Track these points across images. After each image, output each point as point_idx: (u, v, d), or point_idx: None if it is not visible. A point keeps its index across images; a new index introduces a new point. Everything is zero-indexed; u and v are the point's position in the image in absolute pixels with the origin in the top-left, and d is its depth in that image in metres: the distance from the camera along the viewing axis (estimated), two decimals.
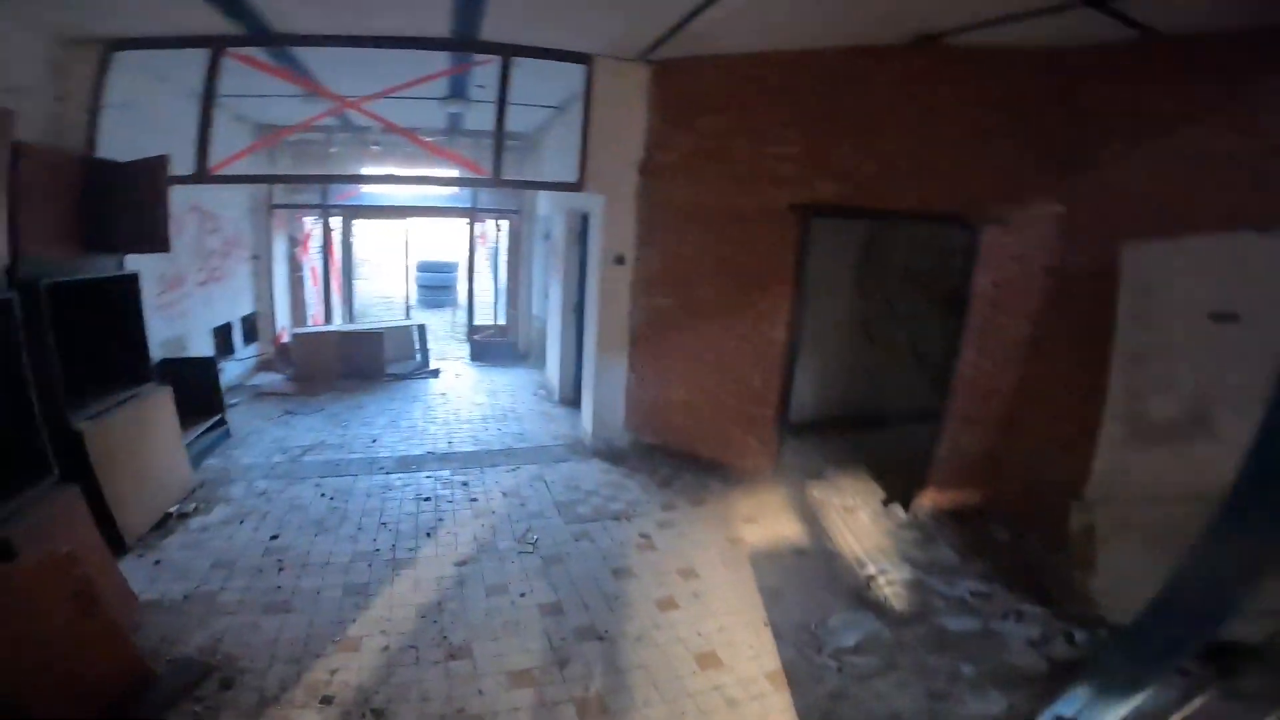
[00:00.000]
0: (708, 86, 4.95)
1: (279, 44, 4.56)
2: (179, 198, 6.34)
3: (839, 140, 4.55)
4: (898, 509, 4.80)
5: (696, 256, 5.21)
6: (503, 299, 10.41)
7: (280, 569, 3.69)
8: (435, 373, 8.76)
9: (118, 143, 4.43)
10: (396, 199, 9.55)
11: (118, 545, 3.71)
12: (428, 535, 4.16)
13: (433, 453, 5.71)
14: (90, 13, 3.93)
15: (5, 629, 2.18)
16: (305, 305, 9.67)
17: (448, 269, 14.80)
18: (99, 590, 2.49)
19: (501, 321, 10.31)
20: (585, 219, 6.32)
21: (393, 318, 10.11)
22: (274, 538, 4.06)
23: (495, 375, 8.76)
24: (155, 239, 4.26)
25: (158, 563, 3.71)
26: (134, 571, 3.55)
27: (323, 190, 9.07)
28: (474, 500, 4.74)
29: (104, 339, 4.40)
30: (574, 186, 5.28)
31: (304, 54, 4.91)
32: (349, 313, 9.84)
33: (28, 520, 2.73)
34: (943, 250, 6.17)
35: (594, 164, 5.23)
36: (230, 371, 7.78)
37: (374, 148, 8.35)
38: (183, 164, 4.57)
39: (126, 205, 4.11)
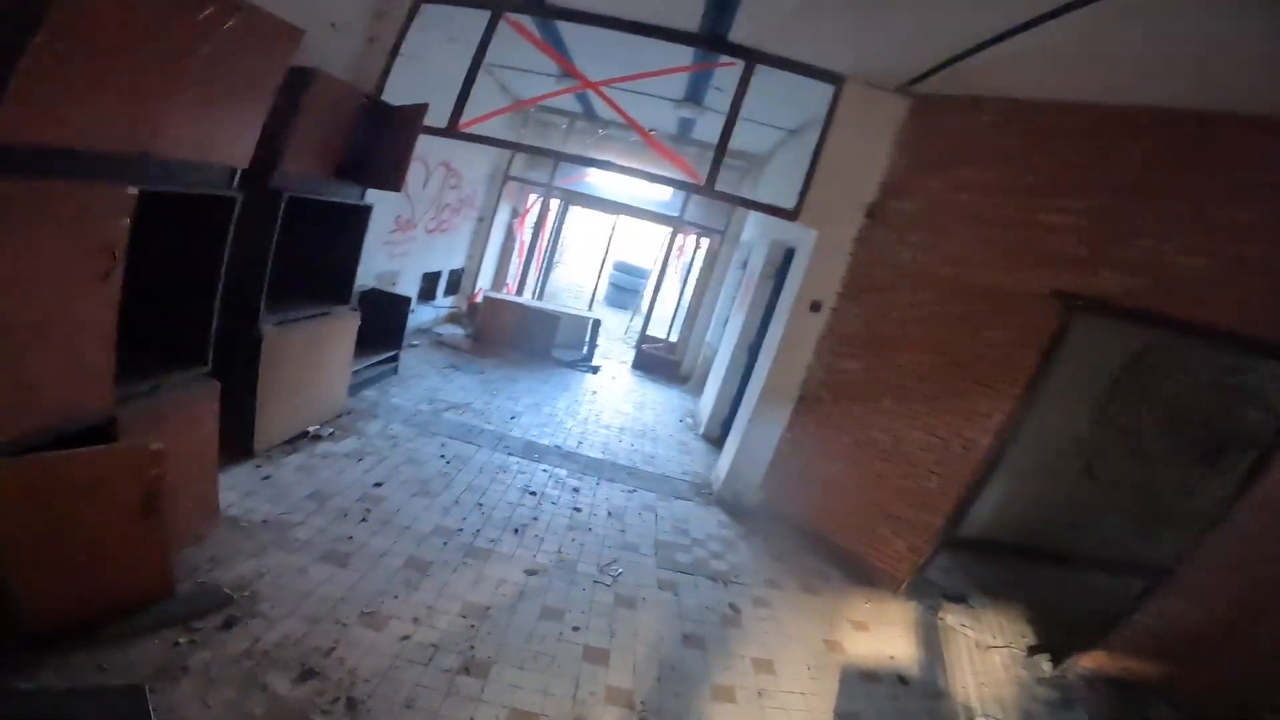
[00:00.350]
0: (977, 131, 4.16)
1: (547, 15, 4.69)
2: (436, 151, 7.02)
3: (1150, 221, 3.48)
4: (1044, 661, 3.91)
5: (907, 326, 4.42)
6: (681, 316, 10.22)
7: (363, 519, 3.63)
8: (595, 369, 8.79)
9: (401, 88, 4.84)
10: (612, 194, 9.84)
11: (245, 450, 3.90)
12: (515, 531, 3.91)
13: (559, 448, 5.54)
14: None
15: (53, 510, 2.18)
16: (506, 273, 10.36)
17: (640, 274, 15.11)
18: (166, 494, 2.46)
19: (673, 338, 10.12)
20: (789, 255, 5.80)
21: (575, 306, 10.45)
22: (377, 485, 4.06)
23: (649, 389, 8.53)
24: (392, 179, 4.53)
25: (267, 478, 3.82)
26: (240, 480, 3.68)
27: (550, 172, 9.63)
28: (576, 510, 4.43)
29: (323, 256, 4.76)
30: (788, 214, 4.78)
31: (565, 32, 5.05)
32: (540, 290, 10.35)
33: (156, 403, 2.77)
34: (1233, 390, 4.97)
35: (816, 195, 4.69)
36: (424, 315, 8.51)
37: (600, 132, 8.66)
38: (443, 120, 4.88)
39: (381, 143, 4.41)
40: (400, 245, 7.22)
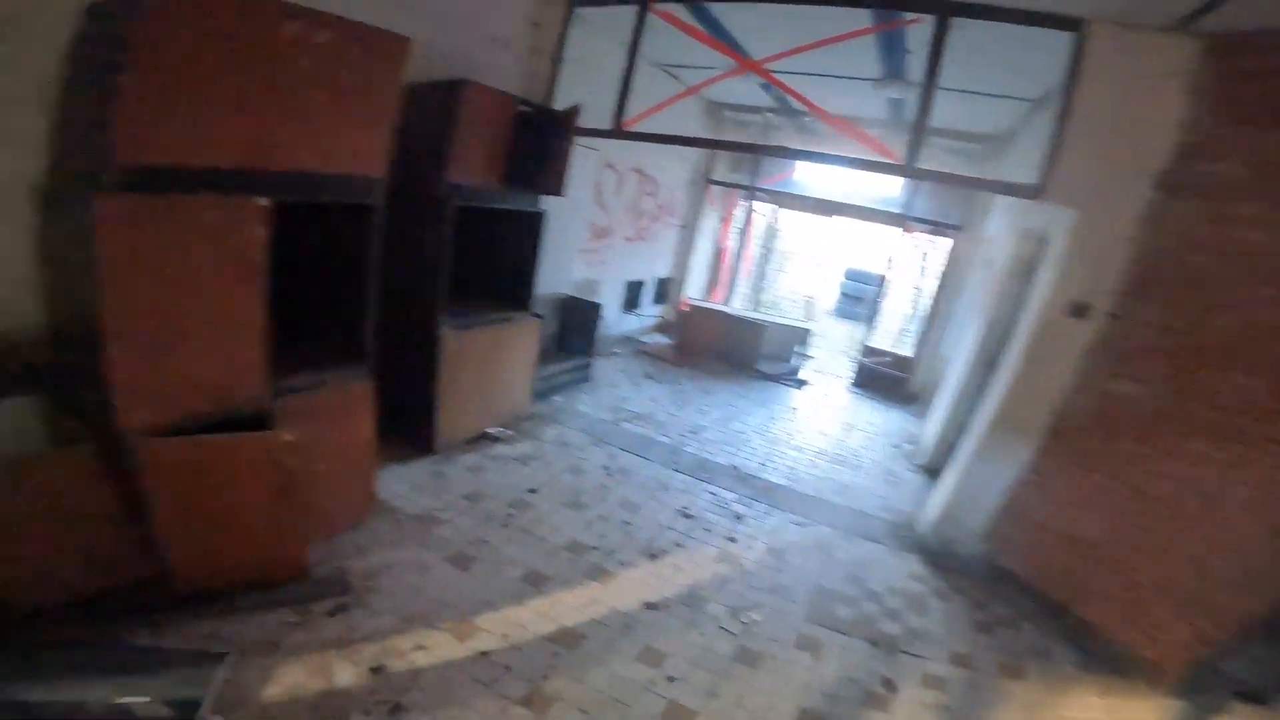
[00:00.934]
0: None
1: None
2: (626, 157, 7.18)
3: None
4: None
5: (1236, 336, 3.16)
6: (916, 326, 8.96)
7: (504, 524, 3.67)
8: (802, 383, 8.13)
9: (572, 93, 4.96)
10: (824, 193, 9.08)
11: (427, 447, 4.28)
12: (651, 557, 3.63)
13: (736, 468, 5.12)
14: None
15: (199, 486, 2.51)
16: (716, 281, 10.24)
17: (875, 281, 13.75)
18: (298, 482, 2.69)
19: (905, 352, 8.89)
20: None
21: (786, 315, 9.83)
22: (532, 490, 4.11)
23: (866, 409, 7.60)
24: (551, 183, 4.62)
25: (438, 474, 4.08)
26: (415, 474, 3.99)
27: (752, 173, 9.27)
28: (730, 540, 3.97)
29: (503, 263, 5.05)
30: (1029, 192, 3.77)
31: (723, 16, 4.77)
32: (752, 299, 9.98)
33: (312, 398, 3.02)
34: None
35: (1069, 164, 3.63)
36: (629, 325, 8.77)
37: (768, 115, 8.00)
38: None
39: (544, 149, 4.51)
40: (598, 253, 7.51)
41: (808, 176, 9.50)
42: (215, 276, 2.47)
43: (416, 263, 4.13)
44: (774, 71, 5.71)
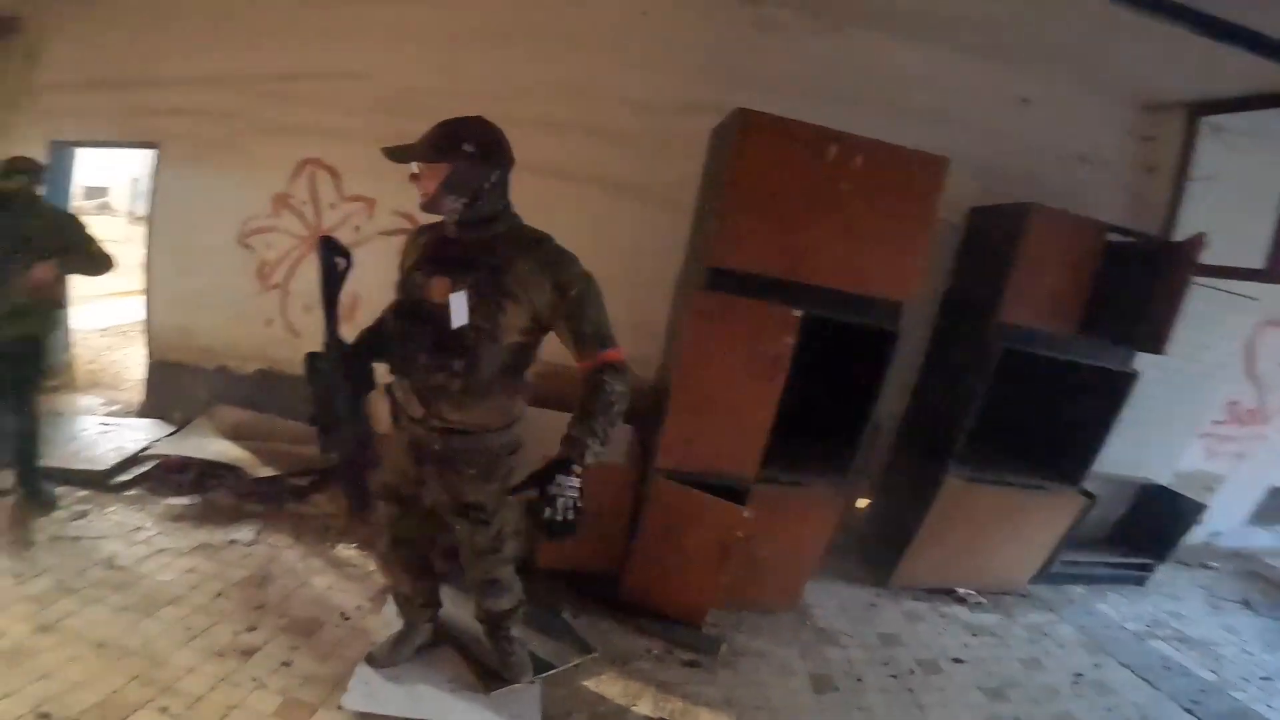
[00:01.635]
0: None
1: None
2: None
3: None
4: None
5: None
6: None
7: (894, 675, 3.49)
8: None
9: (1204, 221, 4.00)
10: None
11: (880, 576, 4.38)
12: None
13: None
14: (1169, 76, 4.00)
15: (669, 523, 3.27)
16: None
17: None
18: (736, 552, 3.19)
19: None
20: None
21: None
22: (957, 660, 3.78)
23: None
24: (1148, 335, 3.81)
25: (872, 605, 4.11)
26: (849, 595, 4.16)
27: None
28: None
29: (1053, 422, 4.56)
30: None
31: None
32: None
33: (787, 492, 3.53)
34: None
35: None
36: (1255, 540, 6.58)
37: None
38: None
39: (1141, 290, 3.79)
40: (1231, 441, 5.97)
41: None
42: (747, 369, 3.17)
43: (942, 396, 4.28)
44: None
